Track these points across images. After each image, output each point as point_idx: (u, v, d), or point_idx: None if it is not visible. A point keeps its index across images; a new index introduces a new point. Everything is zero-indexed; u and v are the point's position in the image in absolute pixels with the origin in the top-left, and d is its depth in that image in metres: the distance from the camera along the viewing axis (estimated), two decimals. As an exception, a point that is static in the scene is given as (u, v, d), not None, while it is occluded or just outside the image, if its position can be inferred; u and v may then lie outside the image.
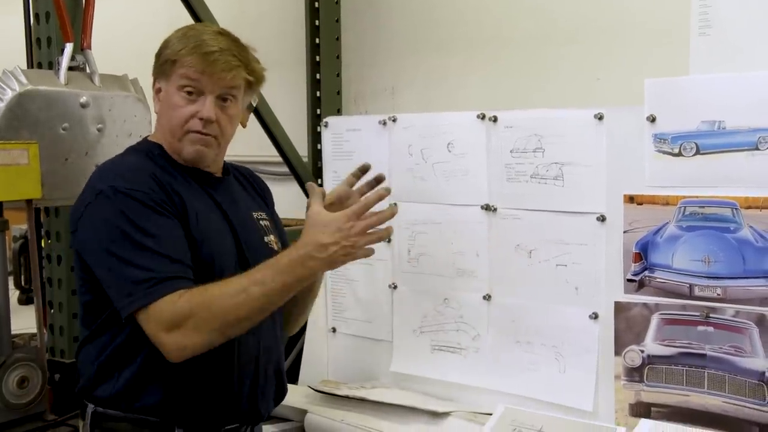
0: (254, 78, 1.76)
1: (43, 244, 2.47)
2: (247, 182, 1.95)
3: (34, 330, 2.20)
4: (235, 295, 1.55)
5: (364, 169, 1.96)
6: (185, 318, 1.54)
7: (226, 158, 1.85)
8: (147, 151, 1.77)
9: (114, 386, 1.69)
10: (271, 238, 1.85)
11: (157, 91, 1.77)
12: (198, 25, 1.82)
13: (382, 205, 1.66)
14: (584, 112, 2.04)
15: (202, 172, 1.78)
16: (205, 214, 1.71)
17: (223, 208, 1.76)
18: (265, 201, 1.98)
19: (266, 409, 1.84)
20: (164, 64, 1.73)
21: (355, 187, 1.94)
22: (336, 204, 1.86)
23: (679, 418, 1.91)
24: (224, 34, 1.76)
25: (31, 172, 2.10)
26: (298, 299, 1.87)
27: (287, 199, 3.15)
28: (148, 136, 1.83)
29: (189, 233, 1.65)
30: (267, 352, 1.80)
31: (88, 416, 1.74)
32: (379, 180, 1.91)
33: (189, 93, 1.70)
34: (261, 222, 1.85)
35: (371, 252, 1.62)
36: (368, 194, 1.74)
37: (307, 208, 1.68)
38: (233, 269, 1.67)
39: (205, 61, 1.68)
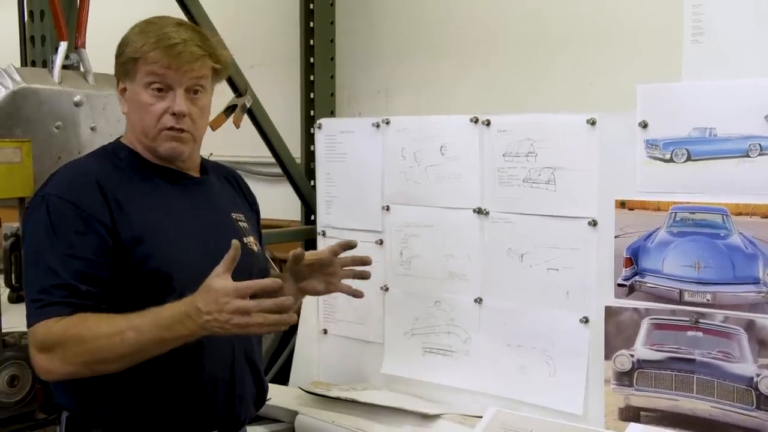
0: (221, 65, 1.72)
1: (34, 243, 2.46)
2: (227, 182, 1.91)
3: (25, 328, 2.18)
4: (111, 336, 1.52)
5: (350, 246, 1.88)
6: (55, 345, 1.54)
7: (217, 158, 1.83)
8: (111, 151, 1.74)
9: (81, 394, 1.65)
10: (250, 239, 1.81)
11: (122, 91, 1.72)
12: (155, 18, 1.75)
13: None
14: (577, 117, 2.06)
15: (176, 173, 1.74)
16: (159, 224, 1.65)
17: (196, 211, 1.73)
18: (248, 200, 1.94)
19: (246, 414, 1.79)
20: (126, 63, 1.68)
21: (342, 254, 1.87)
22: (316, 266, 1.85)
23: (668, 422, 1.92)
24: (184, 24, 1.71)
25: (24, 170, 2.09)
26: None
27: (279, 201, 3.17)
28: (120, 137, 1.78)
29: (120, 244, 1.60)
30: (243, 357, 1.76)
31: (63, 422, 1.72)
32: (364, 262, 1.88)
33: (158, 90, 1.65)
34: (240, 223, 1.81)
35: (262, 329, 1.51)
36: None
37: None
38: (202, 272, 1.53)
39: (169, 54, 1.63)
